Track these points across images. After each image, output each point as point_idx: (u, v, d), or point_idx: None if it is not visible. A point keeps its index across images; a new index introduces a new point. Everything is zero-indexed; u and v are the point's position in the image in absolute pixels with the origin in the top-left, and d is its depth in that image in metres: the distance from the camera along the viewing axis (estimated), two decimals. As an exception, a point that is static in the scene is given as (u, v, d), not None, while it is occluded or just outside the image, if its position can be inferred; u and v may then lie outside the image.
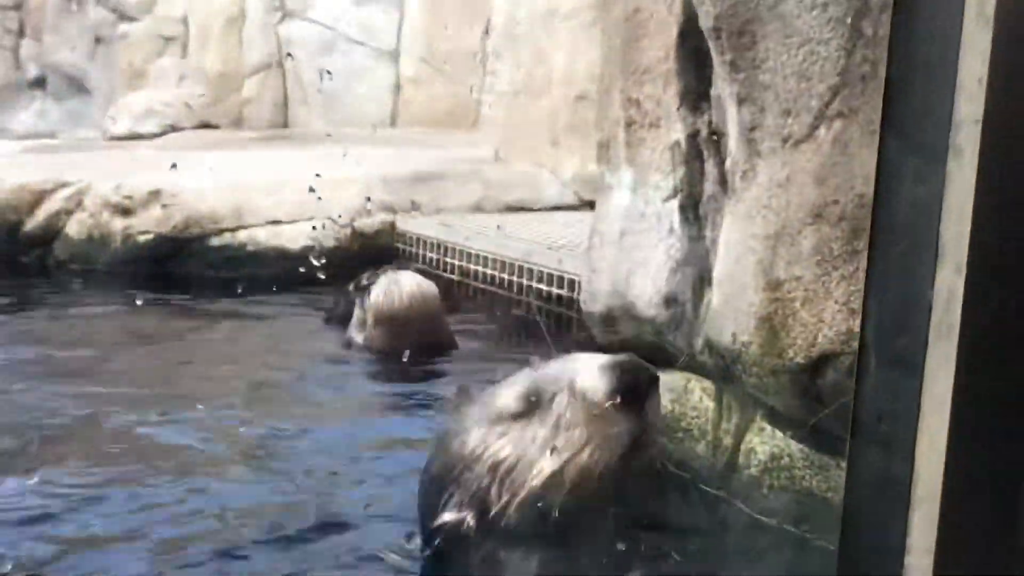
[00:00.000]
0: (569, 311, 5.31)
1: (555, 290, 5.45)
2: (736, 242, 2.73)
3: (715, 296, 2.84)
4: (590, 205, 7.27)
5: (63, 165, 7.27)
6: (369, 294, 4.70)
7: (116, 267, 6.39)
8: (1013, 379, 1.31)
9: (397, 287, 4.74)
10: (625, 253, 3.23)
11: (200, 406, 3.66)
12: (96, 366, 4.43)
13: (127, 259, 6.41)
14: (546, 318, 5.44)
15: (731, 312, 2.72)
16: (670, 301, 3.00)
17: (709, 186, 2.94)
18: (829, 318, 2.43)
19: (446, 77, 13.15)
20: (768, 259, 2.57)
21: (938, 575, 1.29)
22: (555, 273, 5.44)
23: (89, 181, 6.65)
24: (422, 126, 12.79)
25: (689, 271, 2.97)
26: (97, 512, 2.83)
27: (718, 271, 2.83)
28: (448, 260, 6.26)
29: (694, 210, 2.97)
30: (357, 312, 4.85)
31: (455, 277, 6.19)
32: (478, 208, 7.13)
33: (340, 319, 5.11)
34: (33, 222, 6.58)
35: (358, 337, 4.82)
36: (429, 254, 6.43)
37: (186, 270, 6.39)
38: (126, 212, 6.43)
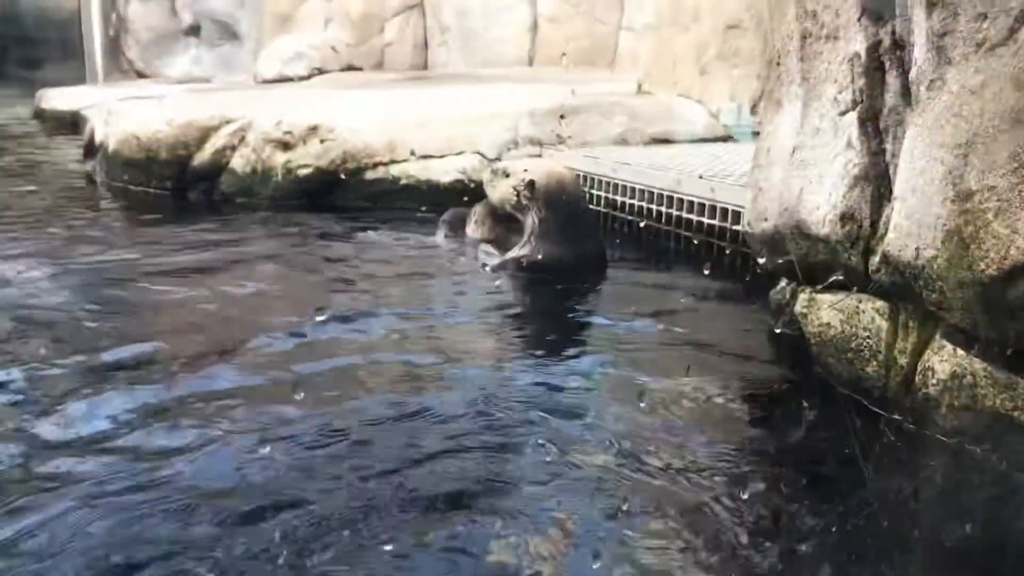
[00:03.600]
0: (721, 241, 5.27)
1: (707, 220, 5.39)
2: (921, 153, 2.64)
3: (896, 210, 2.76)
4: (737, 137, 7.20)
5: (225, 104, 7.60)
6: (532, 187, 4.87)
7: (277, 199, 6.68)
8: None
9: (547, 169, 5.06)
10: (797, 170, 3.18)
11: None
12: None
13: (288, 192, 6.68)
14: (697, 248, 5.40)
15: (915, 226, 2.65)
16: (846, 218, 2.94)
17: (890, 98, 2.85)
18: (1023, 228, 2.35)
19: (583, 15, 13.05)
20: (958, 169, 2.49)
21: None
22: (707, 202, 5.37)
23: (251, 118, 6.95)
24: (559, 65, 12.76)
25: (867, 186, 2.90)
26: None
27: (900, 184, 2.76)
28: (595, 192, 6.27)
29: (874, 123, 2.89)
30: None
31: (602, 209, 6.20)
32: (623, 140, 7.08)
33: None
34: (200, 157, 6.93)
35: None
36: (576, 187, 6.44)
37: (343, 203, 6.62)
38: (286, 147, 6.70)
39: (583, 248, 4.93)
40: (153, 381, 3.29)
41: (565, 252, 4.81)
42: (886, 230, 2.85)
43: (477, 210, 5.48)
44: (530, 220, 4.88)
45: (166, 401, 3.09)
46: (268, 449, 2.70)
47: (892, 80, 2.84)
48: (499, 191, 5.05)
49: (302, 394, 3.07)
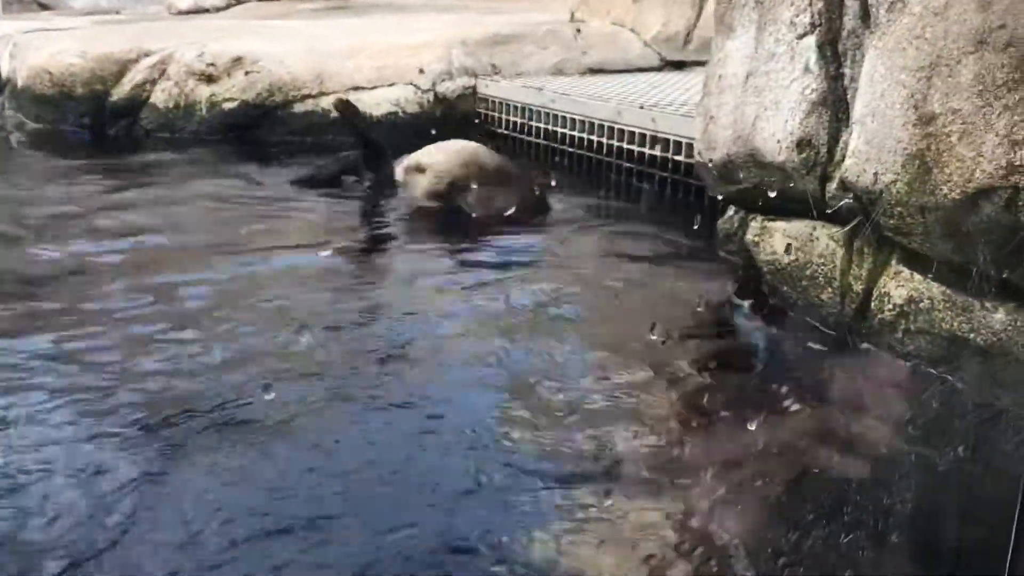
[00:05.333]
0: (663, 172, 5.23)
1: (648, 151, 5.34)
2: (882, 77, 2.62)
3: (855, 135, 2.74)
4: (673, 65, 7.12)
5: (142, 35, 7.21)
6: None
7: (202, 135, 6.41)
8: None
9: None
10: (751, 96, 3.13)
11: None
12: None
13: (213, 127, 6.41)
14: (638, 179, 5.37)
15: (874, 151, 2.64)
16: (803, 144, 2.92)
17: (849, 21, 2.81)
18: (988, 152, 2.34)
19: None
20: (921, 92, 2.47)
21: None
22: (648, 133, 5.32)
23: (171, 50, 6.61)
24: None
25: (825, 112, 2.87)
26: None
27: (859, 109, 2.73)
28: (533, 124, 6.16)
29: (832, 47, 2.85)
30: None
31: (540, 141, 6.11)
32: (559, 71, 6.95)
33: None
34: (119, 92, 6.57)
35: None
36: (512, 118, 6.33)
37: (271, 137, 6.38)
38: (210, 79, 6.40)
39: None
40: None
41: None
42: (843, 156, 2.83)
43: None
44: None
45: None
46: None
47: (851, 2, 2.79)
48: (420, 188, 4.80)
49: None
